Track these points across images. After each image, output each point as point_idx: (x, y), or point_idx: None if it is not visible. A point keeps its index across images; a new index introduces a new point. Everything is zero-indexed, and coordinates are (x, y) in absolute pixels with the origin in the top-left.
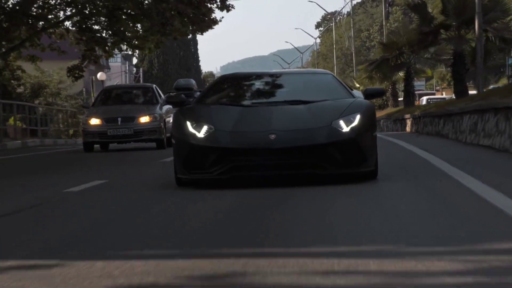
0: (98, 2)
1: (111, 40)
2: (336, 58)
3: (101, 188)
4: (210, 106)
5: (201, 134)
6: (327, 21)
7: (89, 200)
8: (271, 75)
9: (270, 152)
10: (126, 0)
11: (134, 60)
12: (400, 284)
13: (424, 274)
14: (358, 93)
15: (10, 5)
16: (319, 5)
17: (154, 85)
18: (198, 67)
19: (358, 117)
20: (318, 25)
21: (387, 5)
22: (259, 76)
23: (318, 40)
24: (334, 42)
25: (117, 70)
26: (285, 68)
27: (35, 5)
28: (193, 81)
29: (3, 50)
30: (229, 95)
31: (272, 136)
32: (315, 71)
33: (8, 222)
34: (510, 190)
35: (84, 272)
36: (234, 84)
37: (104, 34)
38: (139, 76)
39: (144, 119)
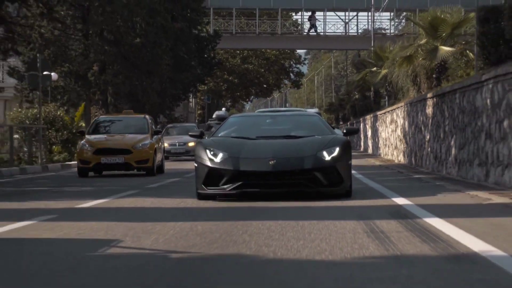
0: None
1: None
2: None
3: None
4: (224, 138)
5: (217, 159)
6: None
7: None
8: (271, 117)
9: (270, 174)
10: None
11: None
12: None
13: None
14: (338, 131)
15: None
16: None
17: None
18: None
19: (337, 149)
20: (306, 52)
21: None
22: (261, 117)
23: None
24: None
25: None
26: None
27: None
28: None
29: None
30: (238, 131)
31: (272, 162)
32: (305, 113)
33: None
34: None
35: None
36: (242, 123)
37: None
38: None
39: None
